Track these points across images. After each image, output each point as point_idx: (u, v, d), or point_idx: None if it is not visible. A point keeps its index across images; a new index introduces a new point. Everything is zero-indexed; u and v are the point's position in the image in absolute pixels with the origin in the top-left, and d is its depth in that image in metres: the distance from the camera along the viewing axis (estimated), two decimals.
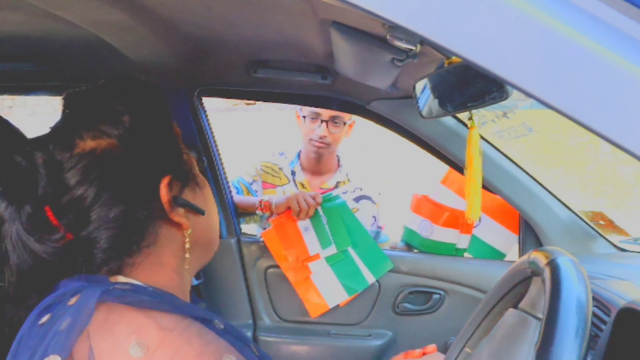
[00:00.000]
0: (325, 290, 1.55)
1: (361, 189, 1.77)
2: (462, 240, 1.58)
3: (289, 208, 1.55)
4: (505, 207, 1.51)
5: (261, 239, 1.59)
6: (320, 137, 1.69)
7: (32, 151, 0.56)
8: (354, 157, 1.90)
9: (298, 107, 1.75)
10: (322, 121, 1.68)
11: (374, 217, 1.77)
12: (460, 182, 1.57)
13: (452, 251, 1.58)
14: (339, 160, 1.83)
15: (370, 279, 1.53)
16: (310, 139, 1.72)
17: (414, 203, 1.68)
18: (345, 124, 1.71)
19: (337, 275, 1.54)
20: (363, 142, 5.55)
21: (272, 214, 1.60)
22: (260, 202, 1.61)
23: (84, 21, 0.95)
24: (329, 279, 1.54)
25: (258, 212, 1.63)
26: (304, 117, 1.73)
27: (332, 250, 1.54)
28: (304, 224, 1.56)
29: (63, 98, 0.63)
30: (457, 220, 1.56)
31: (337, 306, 1.56)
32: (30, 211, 0.53)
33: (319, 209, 1.56)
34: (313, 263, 1.54)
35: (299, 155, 1.82)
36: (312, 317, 1.56)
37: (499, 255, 1.58)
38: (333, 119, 1.68)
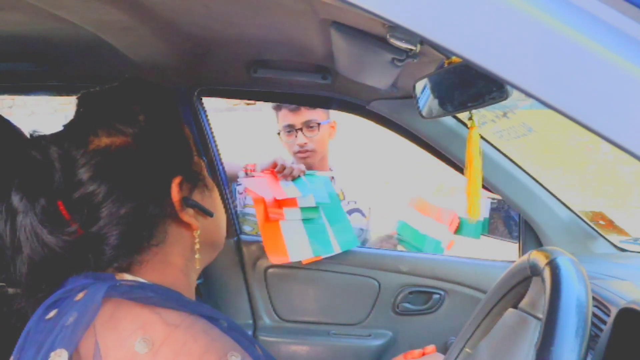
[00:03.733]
0: (291, 242, 1.48)
1: (355, 202, 1.78)
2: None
3: (274, 167, 1.52)
4: None
5: (260, 239, 1.58)
6: (301, 146, 1.69)
7: (48, 146, 0.57)
8: (354, 156, 1.90)
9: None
10: (296, 130, 1.69)
11: (362, 229, 1.78)
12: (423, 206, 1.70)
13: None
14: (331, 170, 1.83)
15: (337, 249, 1.49)
16: (294, 152, 1.72)
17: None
18: (319, 124, 1.69)
19: (307, 232, 1.50)
20: (362, 142, 5.55)
21: None
22: (245, 166, 1.60)
23: (84, 21, 0.95)
24: (298, 232, 1.49)
25: (241, 173, 1.60)
26: (278, 133, 1.73)
27: (309, 200, 1.49)
28: (286, 182, 1.52)
29: (77, 98, 0.64)
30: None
31: (337, 306, 1.56)
32: (44, 204, 0.54)
33: (303, 177, 1.53)
34: (288, 209, 1.48)
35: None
36: (271, 262, 1.50)
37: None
38: (306, 125, 1.68)
